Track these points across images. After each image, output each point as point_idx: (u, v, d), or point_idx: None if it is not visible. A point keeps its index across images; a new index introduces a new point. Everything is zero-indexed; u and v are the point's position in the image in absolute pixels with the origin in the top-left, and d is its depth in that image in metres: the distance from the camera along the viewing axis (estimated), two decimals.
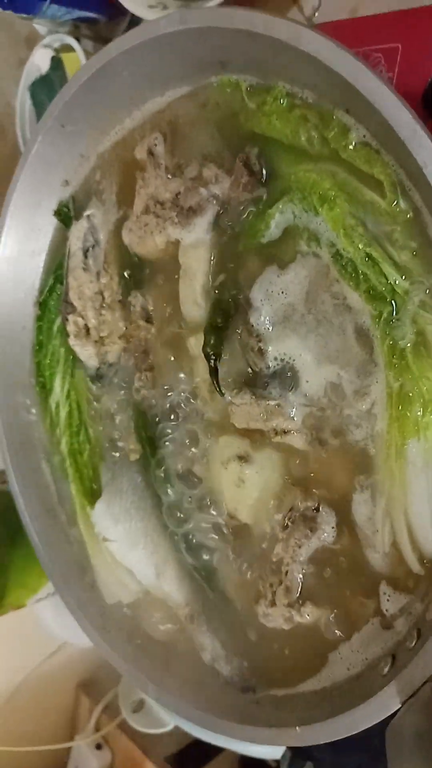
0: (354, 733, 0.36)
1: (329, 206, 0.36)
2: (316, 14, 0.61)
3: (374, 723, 0.34)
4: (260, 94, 0.40)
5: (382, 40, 0.45)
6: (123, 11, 0.66)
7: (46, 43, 0.80)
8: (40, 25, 0.82)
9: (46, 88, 0.82)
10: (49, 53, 0.80)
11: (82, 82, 0.46)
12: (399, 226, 0.34)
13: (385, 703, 0.34)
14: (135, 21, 0.74)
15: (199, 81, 0.44)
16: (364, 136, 0.35)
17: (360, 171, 0.35)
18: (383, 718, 0.34)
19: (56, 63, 0.80)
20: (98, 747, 0.97)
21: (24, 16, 0.74)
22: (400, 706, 0.33)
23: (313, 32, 0.33)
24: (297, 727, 0.38)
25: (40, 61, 0.82)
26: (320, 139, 0.37)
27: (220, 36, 0.38)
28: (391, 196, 0.34)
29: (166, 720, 0.83)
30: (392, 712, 0.33)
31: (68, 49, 0.78)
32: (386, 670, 0.35)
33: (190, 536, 0.48)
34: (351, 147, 0.36)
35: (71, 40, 0.77)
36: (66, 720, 1.02)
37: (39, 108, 0.83)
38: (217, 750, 0.87)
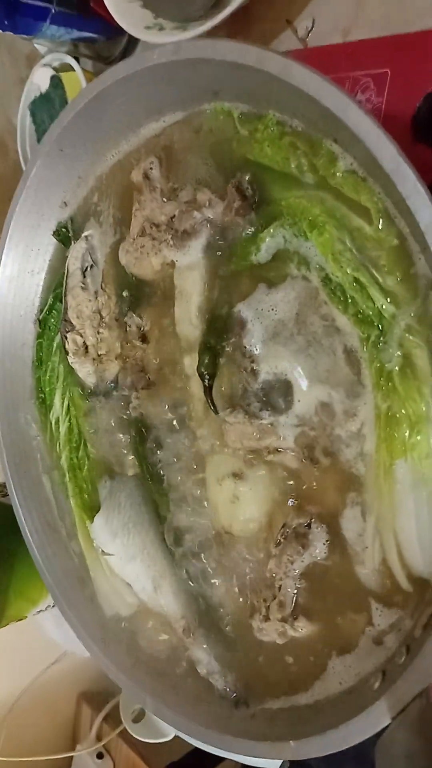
0: (346, 747, 0.36)
1: (318, 232, 0.37)
2: (310, 35, 0.62)
3: (366, 737, 0.35)
4: (252, 122, 0.41)
5: (372, 65, 0.46)
6: (121, 31, 0.68)
7: (46, 62, 0.82)
8: (40, 45, 0.84)
9: (45, 106, 0.83)
10: (49, 72, 0.82)
11: (79, 108, 0.48)
12: (385, 252, 0.35)
13: (376, 718, 0.34)
14: (133, 40, 0.76)
15: (192, 108, 0.45)
16: (352, 165, 0.36)
17: (348, 198, 0.36)
18: (375, 732, 0.35)
19: (56, 81, 0.81)
20: (99, 756, 0.97)
21: (24, 36, 0.75)
22: (390, 721, 0.34)
23: (302, 67, 0.34)
24: (291, 741, 0.39)
25: (39, 79, 0.83)
26: (310, 167, 0.38)
27: (212, 67, 0.39)
28: (377, 223, 0.35)
29: (166, 730, 0.83)
30: (383, 727, 0.34)
31: (67, 68, 0.80)
32: (377, 685, 0.36)
33: (186, 550, 0.49)
34: (339, 175, 0.36)
35: (70, 60, 0.79)
36: (67, 729, 1.03)
37: (39, 125, 0.85)
38: (217, 759, 0.87)
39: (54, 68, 0.81)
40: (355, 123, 0.32)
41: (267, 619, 0.42)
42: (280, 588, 0.41)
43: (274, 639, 0.42)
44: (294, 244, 0.39)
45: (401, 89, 0.45)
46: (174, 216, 0.45)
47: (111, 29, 0.73)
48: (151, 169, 0.47)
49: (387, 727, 0.34)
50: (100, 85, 0.45)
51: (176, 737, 0.83)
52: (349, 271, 0.36)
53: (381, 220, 0.35)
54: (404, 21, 0.52)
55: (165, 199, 0.46)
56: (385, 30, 0.54)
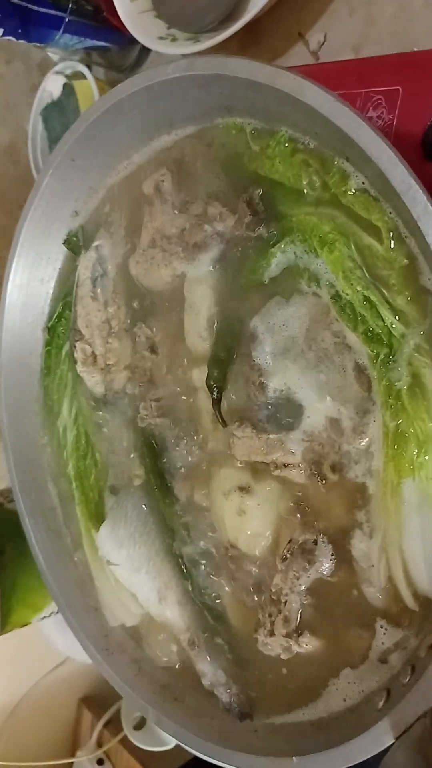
0: (349, 765, 0.36)
1: (329, 249, 0.38)
2: (321, 48, 0.62)
3: (368, 756, 0.35)
4: (264, 138, 0.41)
5: (384, 82, 0.46)
6: (133, 41, 0.68)
7: (59, 70, 0.82)
8: (53, 53, 0.84)
9: (57, 113, 0.84)
10: (61, 79, 0.82)
11: (91, 120, 0.48)
12: (395, 272, 0.35)
13: (379, 737, 0.34)
14: (145, 50, 0.76)
15: (205, 122, 0.45)
16: (363, 183, 0.36)
17: (359, 216, 0.37)
18: (378, 751, 0.35)
19: (68, 89, 0.81)
20: (100, 762, 0.97)
21: (38, 45, 0.75)
22: (393, 741, 0.34)
23: (314, 85, 0.34)
24: (294, 758, 0.39)
25: (52, 87, 0.84)
26: (321, 184, 0.38)
27: (225, 83, 0.40)
28: (388, 242, 0.35)
29: (167, 738, 0.83)
30: (386, 746, 0.34)
31: (80, 76, 0.80)
32: (381, 704, 0.36)
33: (192, 563, 0.49)
34: (350, 193, 0.37)
35: (83, 68, 0.79)
36: (68, 735, 1.02)
37: (50, 132, 0.85)
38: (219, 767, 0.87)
39: (66, 76, 0.82)
40: (367, 143, 0.33)
41: (272, 634, 0.42)
42: (285, 603, 0.41)
43: (279, 654, 0.42)
44: (305, 261, 0.40)
45: (413, 107, 0.45)
46: (185, 229, 0.46)
47: (124, 39, 0.74)
48: (162, 181, 0.48)
49: (391, 746, 0.34)
50: (114, 98, 0.45)
51: (177, 745, 0.83)
52: (359, 289, 0.36)
53: (392, 239, 0.35)
54: (414, 39, 0.53)
55: (176, 212, 0.47)
56: (396, 47, 0.54)
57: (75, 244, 0.56)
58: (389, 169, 0.32)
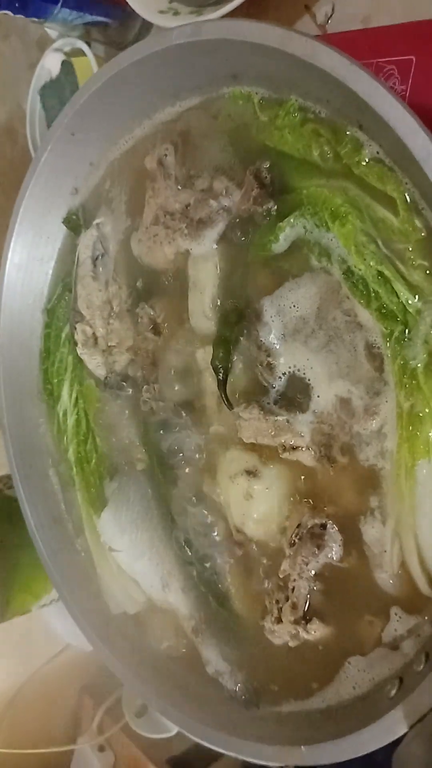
0: (360, 754, 0.35)
1: (341, 222, 0.36)
2: (329, 21, 0.60)
3: (380, 746, 0.34)
4: (272, 107, 0.40)
5: (396, 52, 0.45)
6: (134, 16, 0.66)
7: (57, 47, 0.80)
8: (51, 29, 0.82)
9: (56, 91, 0.81)
10: (60, 57, 0.80)
11: (92, 92, 0.46)
12: (411, 245, 0.34)
13: (392, 726, 0.33)
14: (146, 25, 0.74)
15: (210, 92, 0.43)
16: (378, 153, 0.35)
17: (372, 188, 0.35)
18: (389, 741, 0.34)
19: (67, 67, 0.79)
20: (101, 749, 0.97)
21: (35, 20, 0.73)
22: (406, 730, 0.33)
23: (329, 48, 0.33)
24: (302, 747, 0.38)
25: (50, 64, 0.81)
26: (333, 155, 0.37)
27: (232, 49, 0.38)
28: (404, 214, 0.34)
29: (169, 725, 0.83)
30: (399, 736, 0.33)
31: (79, 53, 0.78)
32: (393, 692, 0.35)
33: (197, 548, 0.48)
34: (364, 163, 0.35)
35: (82, 44, 0.77)
36: (69, 722, 1.02)
37: (49, 111, 0.83)
38: (218, 754, 0.87)
39: (65, 53, 0.80)
40: (385, 109, 0.31)
41: (279, 620, 0.41)
42: (293, 589, 0.40)
43: (286, 641, 0.41)
44: (315, 235, 0.38)
45: (427, 76, 0.44)
46: (189, 204, 0.44)
47: (124, 13, 0.71)
48: (165, 155, 0.46)
49: (404, 736, 0.33)
50: (116, 67, 0.44)
51: (178, 732, 0.82)
52: (372, 263, 0.35)
53: (408, 211, 0.33)
54: (426, 10, 0.51)
55: (180, 187, 0.45)
56: (406, 17, 0.52)
57: (75, 223, 0.54)
58: (408, 137, 0.30)
